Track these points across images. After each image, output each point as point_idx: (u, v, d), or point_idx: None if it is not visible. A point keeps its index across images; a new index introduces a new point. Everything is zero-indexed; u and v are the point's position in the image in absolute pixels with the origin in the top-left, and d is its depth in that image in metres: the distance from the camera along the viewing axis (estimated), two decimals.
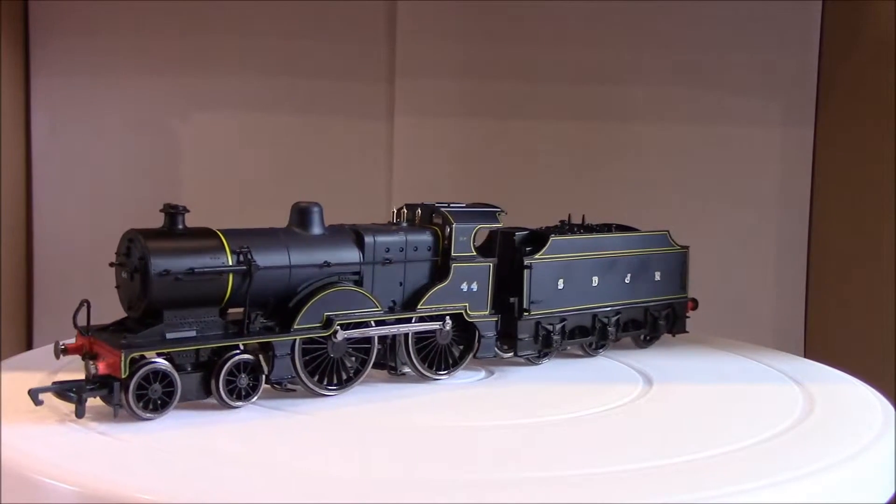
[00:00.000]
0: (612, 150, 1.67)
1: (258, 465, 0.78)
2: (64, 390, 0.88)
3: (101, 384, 0.88)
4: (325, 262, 1.01)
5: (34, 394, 0.87)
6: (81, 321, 0.92)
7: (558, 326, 1.17)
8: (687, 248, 1.32)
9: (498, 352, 1.17)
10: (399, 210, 1.14)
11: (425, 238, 1.09)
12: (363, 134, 1.62)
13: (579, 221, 1.29)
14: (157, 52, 1.56)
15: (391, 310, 1.06)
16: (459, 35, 1.62)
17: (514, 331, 1.15)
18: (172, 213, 0.95)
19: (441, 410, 1.00)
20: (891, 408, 1.02)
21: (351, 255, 1.04)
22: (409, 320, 1.07)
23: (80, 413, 0.87)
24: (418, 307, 1.07)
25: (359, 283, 1.04)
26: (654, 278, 1.28)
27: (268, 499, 0.71)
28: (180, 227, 0.95)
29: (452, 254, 1.09)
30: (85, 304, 0.91)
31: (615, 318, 1.24)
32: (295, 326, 0.98)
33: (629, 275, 1.25)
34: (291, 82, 1.60)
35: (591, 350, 1.24)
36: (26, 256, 1.55)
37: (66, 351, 0.92)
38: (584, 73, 1.66)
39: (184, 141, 1.59)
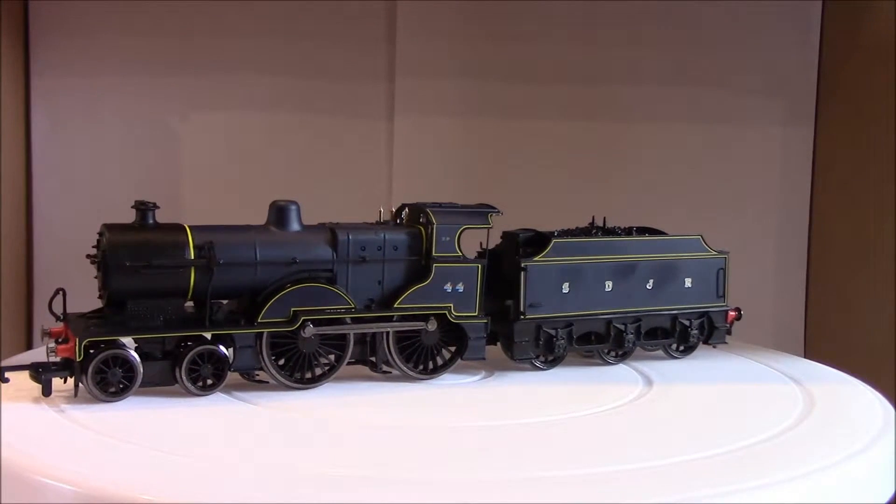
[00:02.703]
0: (611, 150, 1.67)
1: (252, 464, 0.79)
2: (31, 370, 0.95)
3: (64, 366, 0.95)
4: (294, 259, 1.03)
5: (0, 372, 0.94)
6: (58, 309, 0.98)
7: (563, 331, 1.15)
8: (726, 253, 1.25)
9: (507, 354, 1.16)
10: (396, 210, 1.14)
11: (405, 237, 1.09)
12: (363, 134, 1.62)
13: (608, 225, 1.23)
14: (157, 52, 1.56)
15: (368, 308, 1.07)
16: (459, 35, 1.62)
17: (511, 334, 1.13)
18: (143, 209, 0.99)
19: (438, 410, 1.00)
20: (891, 408, 1.02)
21: (323, 252, 1.05)
22: (386, 319, 1.07)
23: (45, 392, 0.94)
24: (395, 306, 1.07)
25: (332, 281, 1.05)
26: (683, 285, 1.21)
27: (263, 499, 0.71)
28: (151, 222, 0.99)
29: (434, 253, 1.08)
30: (60, 292, 0.98)
31: (634, 325, 1.18)
32: (259, 320, 1.00)
33: (651, 280, 1.19)
34: (291, 82, 1.60)
35: (608, 357, 1.19)
36: (26, 256, 1.55)
37: (50, 335, 0.97)
38: (584, 73, 1.65)
39: (183, 141, 1.59)
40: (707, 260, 1.23)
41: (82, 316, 1.00)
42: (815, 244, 1.71)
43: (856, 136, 1.62)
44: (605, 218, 1.24)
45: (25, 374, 0.96)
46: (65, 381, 0.96)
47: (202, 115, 1.59)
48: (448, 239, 1.09)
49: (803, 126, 1.70)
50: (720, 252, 1.24)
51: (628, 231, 1.23)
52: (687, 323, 1.22)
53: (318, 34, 1.59)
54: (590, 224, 1.24)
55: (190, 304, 1.02)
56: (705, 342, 1.25)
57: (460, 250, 1.10)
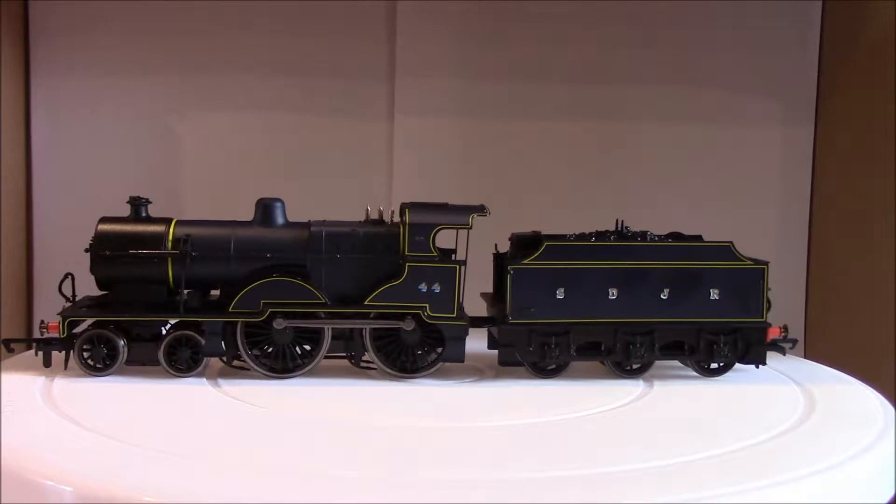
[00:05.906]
0: (611, 150, 1.67)
1: (253, 464, 0.79)
2: (34, 343, 1.07)
3: (58, 342, 1.06)
4: (266, 254, 1.08)
5: (6, 343, 1.10)
6: (68, 292, 1.10)
7: (558, 339, 1.11)
8: (764, 263, 1.13)
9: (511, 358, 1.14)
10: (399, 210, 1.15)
11: (382, 236, 1.10)
12: (363, 134, 1.62)
13: (633, 228, 1.16)
14: (157, 51, 1.56)
15: (341, 305, 1.09)
16: (459, 35, 1.62)
17: (497, 338, 1.11)
18: (136, 204, 1.11)
19: (438, 410, 1.00)
20: (891, 408, 1.02)
21: (297, 248, 1.09)
22: (361, 315, 1.09)
23: (46, 363, 1.07)
24: (364, 303, 1.08)
25: (304, 276, 1.08)
26: (708, 297, 1.11)
27: (266, 498, 0.71)
28: (144, 216, 1.11)
29: (406, 252, 1.09)
30: (69, 276, 1.10)
31: (646, 336, 1.11)
32: (229, 310, 1.07)
33: (667, 290, 1.10)
34: (291, 82, 1.60)
35: (617, 370, 1.13)
36: (26, 256, 1.55)
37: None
38: (584, 73, 1.65)
39: (184, 140, 1.59)
40: (739, 270, 1.12)
41: (91, 298, 1.12)
42: (815, 243, 1.71)
43: (856, 136, 1.62)
44: (623, 221, 1.18)
45: (25, 374, 1.03)
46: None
47: (202, 115, 1.59)
48: (422, 238, 1.09)
49: (803, 126, 1.70)
50: (757, 262, 1.13)
51: (643, 235, 1.15)
52: (713, 338, 1.12)
53: (317, 34, 1.59)
54: (624, 228, 1.16)
55: (187, 291, 1.09)
56: (740, 361, 1.14)
57: (434, 250, 1.10)
